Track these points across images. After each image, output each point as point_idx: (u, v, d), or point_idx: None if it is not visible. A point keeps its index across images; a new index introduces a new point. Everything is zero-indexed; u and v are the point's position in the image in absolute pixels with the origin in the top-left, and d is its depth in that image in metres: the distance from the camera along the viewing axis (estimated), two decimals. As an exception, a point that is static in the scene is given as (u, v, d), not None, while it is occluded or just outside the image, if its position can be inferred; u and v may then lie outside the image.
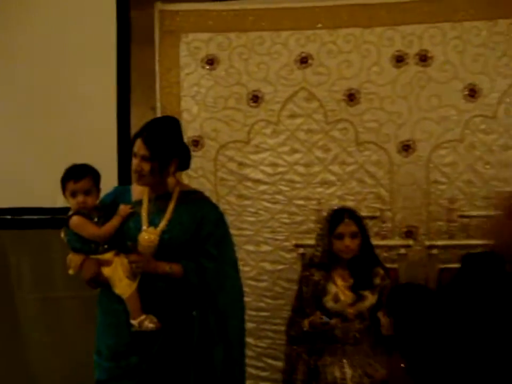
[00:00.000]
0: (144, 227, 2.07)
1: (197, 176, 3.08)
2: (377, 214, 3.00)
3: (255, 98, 3.07)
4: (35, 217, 2.93)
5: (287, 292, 3.06)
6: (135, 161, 2.04)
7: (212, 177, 3.10)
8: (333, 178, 3.05)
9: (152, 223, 2.07)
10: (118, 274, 2.02)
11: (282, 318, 3.00)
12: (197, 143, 3.09)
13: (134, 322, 2.00)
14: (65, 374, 3.05)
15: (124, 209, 2.09)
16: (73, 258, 2.06)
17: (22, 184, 2.95)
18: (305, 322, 2.48)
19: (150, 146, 2.01)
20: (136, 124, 2.36)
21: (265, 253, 3.10)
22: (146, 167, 2.02)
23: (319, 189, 3.05)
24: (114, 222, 2.06)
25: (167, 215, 2.08)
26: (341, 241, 2.51)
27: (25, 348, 3.11)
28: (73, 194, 2.06)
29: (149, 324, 1.99)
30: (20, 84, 3.07)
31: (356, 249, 2.52)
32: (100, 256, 2.05)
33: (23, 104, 3.07)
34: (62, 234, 2.09)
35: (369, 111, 3.00)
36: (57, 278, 2.88)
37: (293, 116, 3.06)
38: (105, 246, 2.05)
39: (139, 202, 2.12)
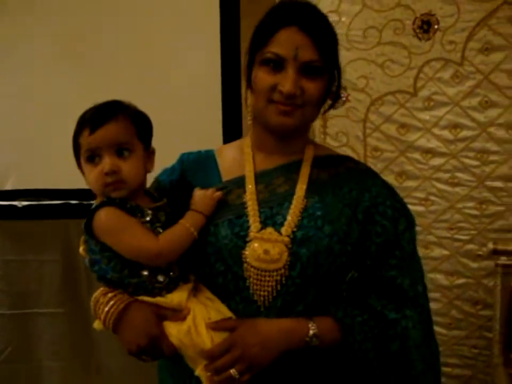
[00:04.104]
0: (254, 230, 1.06)
1: (339, 144, 2.10)
2: None
3: (426, 26, 2.03)
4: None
5: (469, 319, 2.08)
6: (286, 76, 1.04)
7: (359, 145, 2.10)
8: (554, 146, 1.96)
9: (270, 220, 1.08)
10: (198, 334, 1.00)
11: (458, 356, 2.09)
12: (338, 96, 2.10)
13: None
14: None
15: (205, 197, 1.09)
16: (104, 301, 1.05)
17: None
18: None
19: (322, 42, 1.05)
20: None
21: (439, 259, 2.09)
22: (311, 87, 1.06)
23: (530, 164, 1.98)
24: (186, 223, 1.06)
25: (297, 202, 1.08)
26: None
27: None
28: (91, 159, 1.04)
29: None
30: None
31: None
32: (160, 300, 1.05)
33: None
34: (81, 249, 1.09)
35: None
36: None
37: (487, 50, 1.98)
38: (171, 274, 1.05)
39: (237, 182, 1.13)
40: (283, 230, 1.06)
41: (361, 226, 1.08)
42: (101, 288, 1.08)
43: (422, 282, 1.12)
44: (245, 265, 1.05)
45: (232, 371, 0.99)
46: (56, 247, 2.28)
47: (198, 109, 2.11)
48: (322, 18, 1.10)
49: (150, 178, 1.19)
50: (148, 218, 1.05)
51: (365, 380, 1.06)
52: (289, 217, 1.06)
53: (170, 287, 1.05)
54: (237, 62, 2.13)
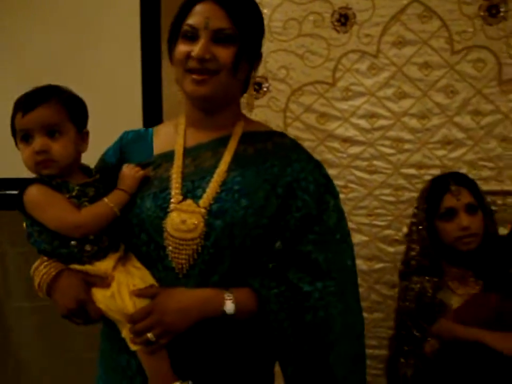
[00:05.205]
0: (174, 202, 1.11)
1: (260, 132, 2.14)
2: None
3: (344, 20, 2.10)
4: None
5: (387, 301, 2.16)
6: (198, 43, 1.09)
7: (281, 135, 2.15)
8: (461, 135, 2.07)
9: (191, 193, 1.12)
10: (122, 299, 1.09)
11: (380, 339, 2.16)
12: (259, 86, 2.14)
13: None
14: None
15: (129, 173, 1.17)
16: (41, 269, 1.14)
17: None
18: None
19: (234, 12, 1.09)
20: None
21: (358, 245, 2.14)
22: (223, 52, 1.09)
23: (440, 151, 2.08)
24: (107, 200, 1.13)
25: (218, 175, 1.12)
26: (452, 222, 1.73)
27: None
28: (25, 139, 1.13)
29: None
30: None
31: (479, 233, 1.73)
32: (89, 268, 1.13)
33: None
34: (25, 224, 1.17)
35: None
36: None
37: (400, 44, 2.08)
38: (101, 244, 1.13)
39: (166, 157, 1.18)
40: (201, 202, 1.11)
41: (281, 200, 1.11)
42: (39, 259, 1.16)
43: (347, 256, 1.17)
44: (165, 234, 1.10)
45: (149, 335, 1.05)
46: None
47: (118, 96, 2.09)
48: None
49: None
50: (74, 194, 1.13)
51: (280, 348, 1.11)
52: (208, 190, 1.11)
53: (100, 256, 1.13)
54: (157, 48, 2.14)
